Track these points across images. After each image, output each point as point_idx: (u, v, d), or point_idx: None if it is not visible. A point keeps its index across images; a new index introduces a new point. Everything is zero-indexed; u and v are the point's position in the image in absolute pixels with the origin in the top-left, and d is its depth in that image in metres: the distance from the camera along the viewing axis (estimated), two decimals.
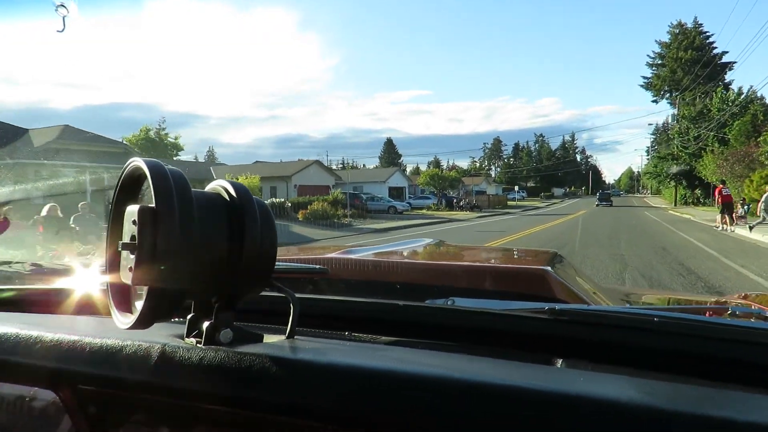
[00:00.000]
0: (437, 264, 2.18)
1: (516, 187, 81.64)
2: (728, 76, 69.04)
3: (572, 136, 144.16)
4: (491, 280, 1.82)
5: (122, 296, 0.90)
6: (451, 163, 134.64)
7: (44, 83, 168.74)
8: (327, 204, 32.37)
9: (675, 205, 55.53)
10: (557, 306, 1.07)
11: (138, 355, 0.92)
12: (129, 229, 0.80)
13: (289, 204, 32.62)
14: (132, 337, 0.93)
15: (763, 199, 19.46)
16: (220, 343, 0.89)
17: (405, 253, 2.49)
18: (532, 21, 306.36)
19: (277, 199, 33.69)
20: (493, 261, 2.48)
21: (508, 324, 1.09)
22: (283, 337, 0.97)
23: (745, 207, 24.85)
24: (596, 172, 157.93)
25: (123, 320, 0.86)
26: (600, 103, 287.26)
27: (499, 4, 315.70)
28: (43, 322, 1.16)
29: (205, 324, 0.90)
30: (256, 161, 60.32)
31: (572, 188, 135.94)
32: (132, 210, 0.79)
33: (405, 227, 27.79)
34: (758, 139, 35.15)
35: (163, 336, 0.96)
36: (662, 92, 75.99)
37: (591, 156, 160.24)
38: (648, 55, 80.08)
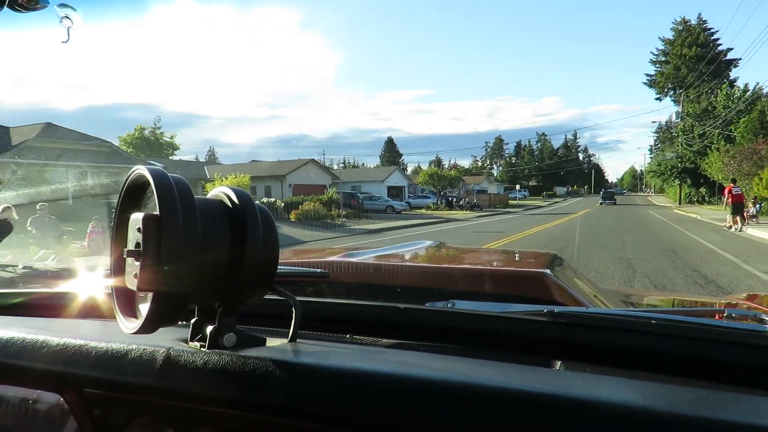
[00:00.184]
0: (437, 267, 2.16)
1: (517, 186, 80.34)
2: (733, 73, 67.93)
3: (574, 135, 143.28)
4: (491, 282, 1.81)
5: (127, 301, 0.92)
6: (452, 162, 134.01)
7: (46, 84, 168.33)
8: (319, 204, 31.35)
9: (679, 203, 54.57)
10: (556, 309, 1.07)
11: (143, 358, 0.93)
12: (134, 237, 0.81)
13: (282, 204, 31.58)
14: (137, 341, 0.95)
15: None
16: (224, 347, 0.90)
17: (405, 256, 2.44)
18: (534, 20, 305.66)
19: (269, 199, 32.62)
20: (492, 264, 2.45)
21: (508, 327, 1.09)
22: (285, 340, 0.98)
23: (757, 206, 23.76)
24: (599, 171, 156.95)
25: (128, 325, 0.87)
26: (602, 102, 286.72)
27: (502, 3, 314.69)
28: (48, 326, 1.16)
29: (209, 328, 0.91)
30: (252, 160, 59.31)
31: (575, 187, 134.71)
32: (136, 218, 0.81)
33: (400, 228, 26.72)
34: (767, 137, 34.06)
35: (168, 340, 0.97)
36: (666, 90, 74.98)
37: (593, 155, 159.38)
38: (651, 53, 79.12)
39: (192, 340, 0.95)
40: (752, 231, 19.41)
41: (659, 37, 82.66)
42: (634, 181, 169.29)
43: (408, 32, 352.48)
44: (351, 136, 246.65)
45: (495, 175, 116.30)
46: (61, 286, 1.60)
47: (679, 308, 2.23)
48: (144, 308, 0.85)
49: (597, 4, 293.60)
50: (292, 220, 28.15)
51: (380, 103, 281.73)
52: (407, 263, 2.26)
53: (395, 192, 60.20)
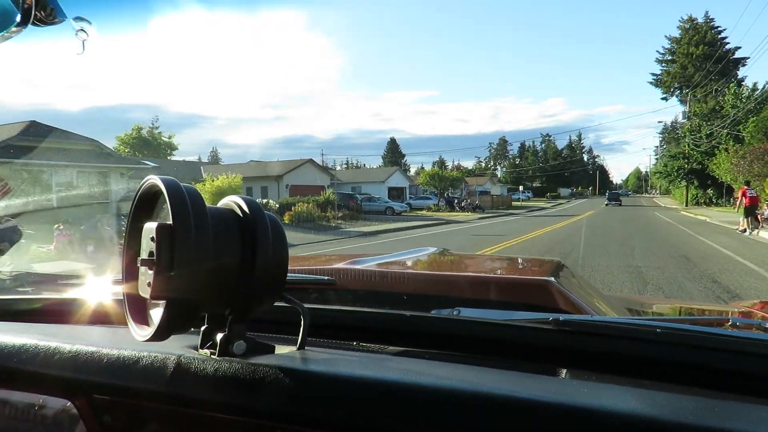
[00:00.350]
0: (443, 274, 2.16)
1: (520, 187, 79.37)
2: (741, 73, 66.69)
3: (579, 136, 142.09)
4: (496, 290, 1.83)
5: (138, 309, 0.93)
6: (456, 163, 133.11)
7: (52, 85, 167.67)
8: (313, 205, 30.30)
9: (686, 205, 53.67)
10: (561, 317, 1.08)
11: (154, 366, 0.94)
12: (147, 246, 0.83)
13: (276, 205, 30.53)
14: (148, 349, 0.96)
15: None
16: (234, 355, 0.91)
17: (410, 263, 2.45)
18: (539, 21, 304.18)
19: (262, 200, 31.54)
20: (497, 271, 2.47)
21: (513, 334, 1.10)
22: (294, 347, 0.99)
23: None
24: (603, 172, 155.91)
25: (140, 332, 0.89)
26: (607, 103, 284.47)
27: (506, 4, 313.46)
28: (59, 332, 1.17)
29: (219, 336, 0.92)
30: (251, 161, 58.35)
31: (579, 188, 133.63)
32: (150, 227, 0.82)
33: (396, 230, 25.68)
34: None
35: (178, 347, 0.98)
36: (672, 89, 73.79)
37: (598, 156, 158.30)
38: (657, 51, 77.85)
39: (202, 347, 0.95)
40: (765, 234, 18.32)
41: (665, 36, 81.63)
42: (639, 182, 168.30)
43: (412, 33, 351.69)
44: (355, 137, 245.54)
45: (499, 176, 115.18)
46: (70, 293, 1.60)
47: (685, 317, 2.19)
48: (155, 316, 0.86)
49: (601, 3, 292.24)
50: (285, 221, 27.11)
51: (384, 103, 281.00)
52: (413, 270, 2.25)
53: (396, 193, 59.20)
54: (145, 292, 0.83)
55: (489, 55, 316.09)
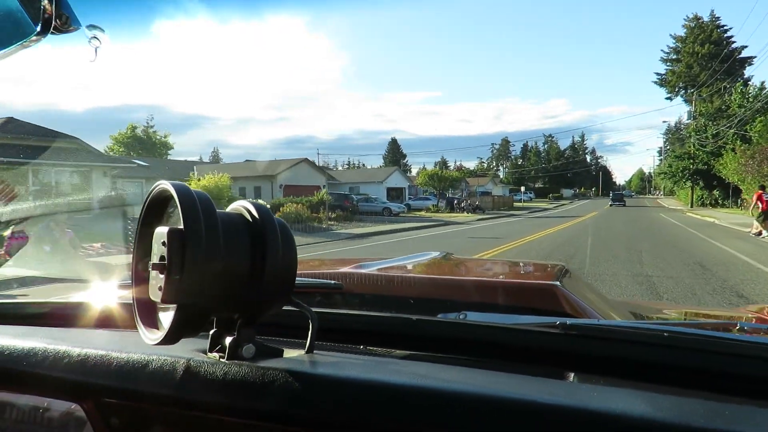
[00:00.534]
0: (449, 279, 2.18)
1: (522, 188, 78.00)
2: (747, 72, 65.39)
3: (582, 137, 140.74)
4: (501, 294, 1.83)
5: (148, 312, 0.93)
6: (458, 163, 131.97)
7: (56, 86, 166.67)
8: (302, 206, 29.04)
9: (691, 206, 52.53)
10: (568, 320, 1.08)
11: (164, 369, 0.94)
12: (158, 250, 0.83)
13: (268, 206, 29.20)
14: (157, 352, 0.97)
15: None
16: (243, 358, 0.92)
17: (416, 267, 2.41)
18: (542, 22, 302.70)
19: (253, 201, 30.18)
20: (503, 275, 2.51)
21: (520, 338, 1.10)
22: (302, 351, 0.99)
23: None
24: (606, 173, 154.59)
25: (150, 336, 0.89)
26: (610, 104, 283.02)
27: (509, 4, 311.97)
28: (67, 336, 1.17)
29: (228, 339, 0.93)
30: (246, 160, 57.14)
31: (582, 189, 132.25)
32: (161, 231, 0.83)
33: (391, 232, 24.42)
34: None
35: (187, 351, 0.98)
36: (677, 89, 72.59)
37: (601, 156, 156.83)
38: (662, 50, 76.61)
39: (211, 351, 0.96)
40: None
41: (670, 35, 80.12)
42: (643, 183, 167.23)
43: (415, 34, 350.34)
44: (358, 137, 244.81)
45: (501, 176, 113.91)
46: (77, 297, 1.59)
47: (691, 321, 2.19)
48: (165, 319, 0.87)
49: (604, 4, 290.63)
50: None
51: (387, 104, 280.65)
52: (419, 275, 2.23)
53: (395, 193, 58.07)
54: (156, 296, 0.83)
55: (492, 56, 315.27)
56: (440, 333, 1.15)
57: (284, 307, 0.97)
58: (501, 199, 59.60)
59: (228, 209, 0.95)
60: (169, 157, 61.37)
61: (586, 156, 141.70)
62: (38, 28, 0.73)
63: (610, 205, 58.49)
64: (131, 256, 0.95)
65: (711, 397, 0.83)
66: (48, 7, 0.72)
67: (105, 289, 1.63)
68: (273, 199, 34.54)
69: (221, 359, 0.93)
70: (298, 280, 0.96)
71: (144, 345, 0.90)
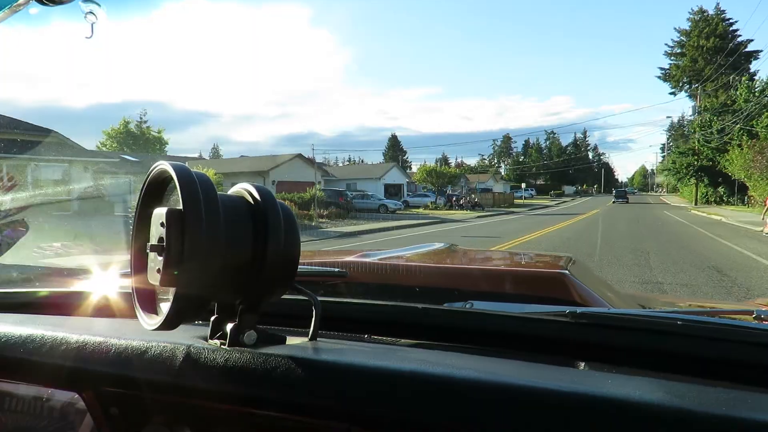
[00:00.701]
0: (455, 267, 2.13)
1: (523, 185, 76.56)
2: (753, 66, 64.13)
3: (584, 133, 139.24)
4: (509, 283, 1.80)
5: (147, 298, 0.92)
6: (459, 160, 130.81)
7: (57, 82, 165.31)
8: (291, 202, 27.87)
9: (695, 203, 51.39)
10: (578, 309, 1.06)
11: (163, 356, 0.93)
12: (156, 232, 0.82)
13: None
14: (156, 339, 0.95)
15: None
16: (244, 345, 0.90)
17: (422, 257, 2.40)
18: (545, 18, 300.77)
19: None
20: (510, 264, 2.45)
21: (529, 327, 1.08)
22: (305, 339, 0.98)
23: None
24: (609, 170, 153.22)
25: (149, 321, 0.88)
26: (613, 101, 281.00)
27: (510, 1, 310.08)
28: (65, 323, 1.17)
29: (229, 326, 0.91)
30: (242, 156, 55.99)
31: (584, 186, 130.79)
32: (160, 212, 0.81)
33: (383, 230, 23.25)
34: None
35: (187, 338, 0.97)
36: (681, 84, 71.32)
37: (603, 153, 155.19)
38: (666, 44, 75.24)
39: (212, 337, 0.94)
40: None
41: (675, 28, 78.86)
42: (645, 180, 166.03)
43: (417, 30, 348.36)
44: (360, 134, 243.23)
45: (502, 173, 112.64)
46: (75, 285, 1.59)
47: (704, 309, 2.14)
48: (164, 305, 0.85)
49: (609, 0, 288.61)
50: None
51: (389, 101, 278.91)
52: (425, 263, 2.18)
53: (393, 190, 56.83)
54: (155, 279, 0.82)
55: (494, 52, 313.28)
56: (447, 322, 1.12)
57: (287, 295, 0.94)
58: (501, 196, 58.41)
59: (230, 192, 0.92)
60: (168, 153, 60.24)
61: (588, 153, 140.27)
62: None
63: (613, 202, 58.39)
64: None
65: (729, 385, 0.79)
66: None
67: (105, 278, 1.62)
68: None
69: (222, 346, 0.90)
70: (301, 267, 0.92)
71: (143, 332, 0.89)
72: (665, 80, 74.13)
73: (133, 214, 0.93)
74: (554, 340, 1.04)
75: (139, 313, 0.90)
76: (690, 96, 68.50)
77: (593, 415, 0.68)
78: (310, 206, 28.86)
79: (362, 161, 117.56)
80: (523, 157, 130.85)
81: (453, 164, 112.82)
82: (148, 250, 0.82)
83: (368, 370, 0.82)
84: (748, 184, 41.07)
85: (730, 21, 67.75)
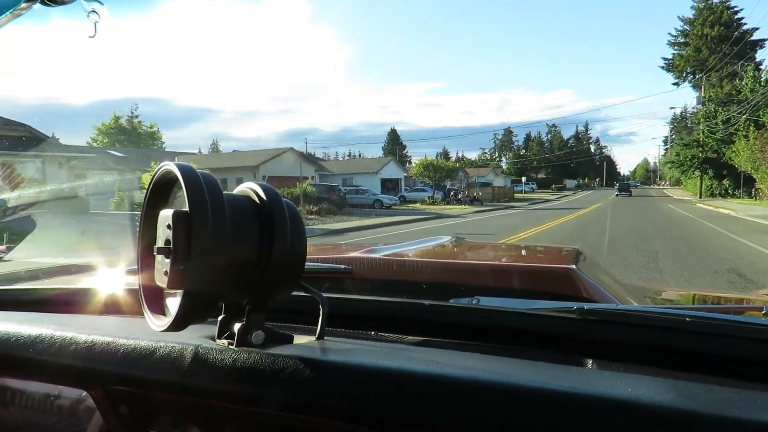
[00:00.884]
0: (461, 263, 2.15)
1: (523, 179, 75.13)
2: (759, 55, 62.54)
3: (585, 126, 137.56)
4: (516, 279, 1.80)
5: (154, 298, 0.92)
6: (460, 154, 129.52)
7: (58, 79, 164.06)
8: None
9: (700, 196, 49.97)
10: (585, 305, 1.06)
11: (171, 356, 0.93)
12: (163, 233, 0.82)
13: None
14: (164, 339, 0.95)
15: None
16: (252, 345, 0.90)
17: (428, 252, 2.37)
18: (547, 11, 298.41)
19: None
20: (517, 259, 2.44)
21: (536, 324, 1.07)
22: (313, 338, 0.98)
23: None
24: (611, 163, 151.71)
25: (157, 322, 0.88)
26: (615, 93, 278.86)
27: None
28: (74, 322, 1.17)
29: (237, 326, 0.91)
30: (234, 150, 54.71)
31: (585, 180, 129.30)
32: (166, 214, 0.81)
33: (373, 227, 21.98)
34: None
35: (195, 338, 0.97)
36: (685, 74, 69.68)
37: (605, 147, 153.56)
38: (670, 34, 73.61)
39: (220, 337, 0.94)
40: None
41: (678, 16, 77.22)
42: (647, 173, 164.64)
43: (418, 24, 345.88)
44: (362, 129, 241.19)
45: (503, 167, 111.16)
46: (83, 283, 1.59)
47: (714, 305, 2.10)
48: (172, 305, 0.85)
49: None
50: None
51: (391, 96, 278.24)
52: (431, 259, 2.16)
53: (391, 185, 55.49)
54: (162, 282, 0.82)
55: (496, 46, 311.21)
56: (454, 318, 1.12)
57: (294, 293, 0.94)
58: (501, 190, 56.92)
59: (235, 191, 0.92)
60: (166, 150, 58.97)
61: (590, 146, 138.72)
62: None
63: (616, 195, 57.95)
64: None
65: (738, 384, 0.79)
66: None
67: (113, 276, 1.61)
68: None
69: (230, 346, 0.90)
70: (308, 265, 0.93)
71: (151, 331, 0.89)
72: (668, 70, 72.53)
73: (139, 214, 0.92)
74: (561, 336, 1.03)
75: (147, 314, 0.90)
76: (694, 86, 67.16)
77: (603, 416, 0.68)
78: (299, 202, 27.55)
79: (360, 155, 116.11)
80: (524, 151, 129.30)
81: (454, 158, 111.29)
82: (155, 252, 0.81)
83: (375, 371, 0.82)
84: (755, 177, 39.77)
85: (735, 9, 66.10)
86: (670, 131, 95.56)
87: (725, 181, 50.80)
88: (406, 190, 54.15)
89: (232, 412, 0.89)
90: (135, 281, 0.97)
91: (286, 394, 0.83)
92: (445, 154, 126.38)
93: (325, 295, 0.97)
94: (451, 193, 45.68)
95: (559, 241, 14.87)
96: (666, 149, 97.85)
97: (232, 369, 0.87)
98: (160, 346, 0.94)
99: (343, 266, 1.47)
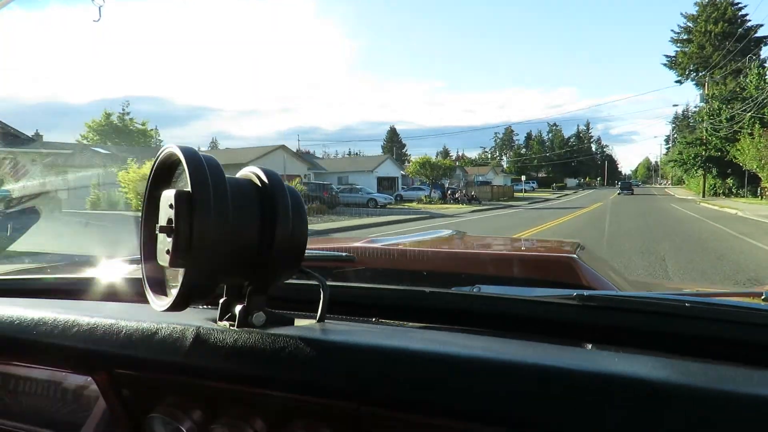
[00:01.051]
0: (463, 252, 2.15)
1: (523, 178, 73.97)
2: (763, 52, 61.28)
3: (587, 125, 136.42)
4: (517, 267, 1.79)
5: (157, 279, 0.93)
6: (460, 153, 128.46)
7: (59, 78, 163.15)
8: None
9: (703, 196, 48.90)
10: (585, 292, 1.07)
11: (173, 337, 0.94)
12: (165, 213, 0.83)
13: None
14: (166, 320, 0.97)
15: None
16: (253, 326, 0.91)
17: (429, 242, 2.42)
18: (548, 10, 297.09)
19: None
20: (517, 249, 2.44)
21: (537, 310, 1.09)
22: (314, 321, 0.99)
23: None
24: (612, 162, 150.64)
25: (158, 302, 0.89)
26: (617, 92, 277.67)
27: None
28: (76, 306, 1.18)
29: (238, 307, 0.92)
30: (226, 148, 53.57)
31: (587, 179, 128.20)
32: (168, 194, 0.82)
33: (361, 227, 20.85)
34: None
35: (197, 319, 0.98)
36: (688, 71, 68.38)
37: (607, 146, 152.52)
38: (672, 30, 72.33)
39: (221, 319, 0.95)
40: None
41: (681, 13, 76.02)
42: (649, 172, 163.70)
43: (421, 23, 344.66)
44: (363, 128, 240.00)
45: (504, 166, 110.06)
46: (87, 272, 1.61)
47: (713, 291, 2.12)
48: (174, 286, 0.87)
49: None
50: None
51: (392, 95, 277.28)
52: (432, 249, 2.18)
53: (387, 183, 54.37)
54: (164, 261, 0.83)
55: (497, 45, 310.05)
56: (455, 305, 1.13)
57: (295, 279, 0.94)
58: (500, 189, 55.90)
59: (237, 175, 0.93)
60: (161, 147, 57.75)
61: (591, 145, 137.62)
62: None
63: (618, 194, 57.86)
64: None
65: (737, 365, 0.81)
66: None
67: (115, 265, 1.63)
68: None
69: (231, 327, 0.91)
70: (309, 251, 0.93)
71: (153, 314, 0.91)
72: (671, 68, 71.27)
73: (143, 197, 0.94)
74: (562, 322, 1.04)
75: (149, 294, 0.91)
76: (697, 84, 65.85)
77: (601, 391, 0.69)
78: None
79: (358, 154, 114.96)
80: (525, 150, 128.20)
81: (454, 157, 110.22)
82: (157, 232, 0.82)
83: (377, 350, 0.82)
84: (760, 175, 38.67)
85: (739, 5, 64.85)
86: (672, 130, 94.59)
87: (729, 180, 49.75)
88: (403, 188, 53.15)
89: (234, 392, 0.89)
90: (137, 270, 0.97)
91: (288, 374, 0.83)
92: (446, 153, 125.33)
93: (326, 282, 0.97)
94: (449, 192, 44.64)
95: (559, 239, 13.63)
96: (668, 148, 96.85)
97: (233, 349, 0.87)
98: (162, 327, 0.95)
99: (344, 254, 1.47)
